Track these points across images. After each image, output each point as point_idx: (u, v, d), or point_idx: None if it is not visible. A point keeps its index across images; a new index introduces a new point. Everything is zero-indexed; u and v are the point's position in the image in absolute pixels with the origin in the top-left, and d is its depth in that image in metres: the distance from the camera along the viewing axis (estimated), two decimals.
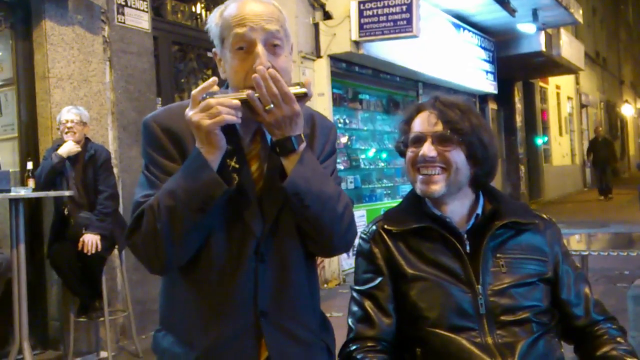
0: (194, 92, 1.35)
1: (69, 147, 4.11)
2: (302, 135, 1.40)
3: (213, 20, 1.48)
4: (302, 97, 1.38)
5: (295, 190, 1.38)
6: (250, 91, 1.34)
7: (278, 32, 1.42)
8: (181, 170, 1.37)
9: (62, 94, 4.51)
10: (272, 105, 1.34)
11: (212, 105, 1.31)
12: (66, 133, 4.14)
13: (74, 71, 4.60)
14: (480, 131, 1.62)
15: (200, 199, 1.34)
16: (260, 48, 1.39)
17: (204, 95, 1.33)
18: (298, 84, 1.38)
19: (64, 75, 4.53)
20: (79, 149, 4.18)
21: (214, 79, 1.37)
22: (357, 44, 7.31)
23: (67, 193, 4.09)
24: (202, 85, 1.35)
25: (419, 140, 1.63)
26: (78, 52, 4.63)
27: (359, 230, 1.70)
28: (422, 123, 1.65)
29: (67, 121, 4.14)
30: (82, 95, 4.64)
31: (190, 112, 1.34)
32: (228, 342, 1.43)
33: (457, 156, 1.60)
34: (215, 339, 1.43)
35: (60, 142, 4.18)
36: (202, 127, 1.32)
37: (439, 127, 1.61)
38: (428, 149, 1.60)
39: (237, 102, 1.33)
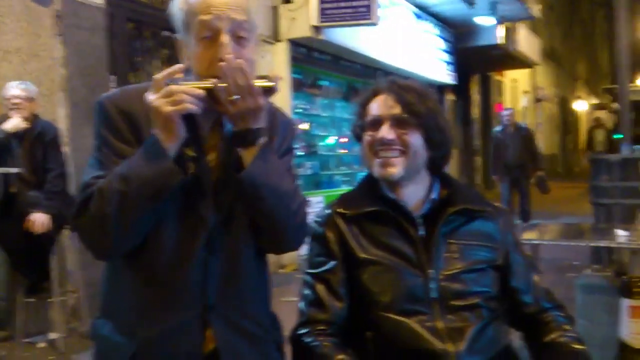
0: (156, 76, 1.30)
1: (14, 123, 3.97)
2: (263, 129, 1.37)
3: (177, 5, 1.43)
4: (268, 91, 1.34)
5: (252, 182, 1.35)
6: (216, 80, 1.30)
7: (245, 22, 1.39)
8: (136, 155, 1.32)
9: (9, 67, 4.34)
10: (237, 97, 1.30)
11: (174, 91, 1.27)
12: (12, 109, 3.99)
13: (23, 45, 4.43)
14: (437, 115, 1.62)
15: (154, 187, 1.30)
16: (225, 37, 1.35)
17: (168, 81, 1.29)
18: (265, 77, 1.34)
19: (11, 49, 4.36)
20: (26, 126, 4.03)
21: (179, 65, 1.32)
22: (317, 29, 7.26)
23: (14, 170, 3.95)
24: (167, 70, 1.30)
25: (377, 123, 1.61)
26: (27, 24, 4.46)
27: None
28: (379, 106, 1.62)
29: (13, 97, 3.99)
30: (30, 70, 4.48)
31: (151, 96, 1.29)
32: (172, 334, 1.39)
33: (415, 139, 1.59)
34: (159, 329, 1.39)
35: (6, 118, 4.03)
36: (162, 113, 1.27)
37: (397, 110, 1.59)
38: (387, 132, 1.58)
39: (201, 91, 1.29)
